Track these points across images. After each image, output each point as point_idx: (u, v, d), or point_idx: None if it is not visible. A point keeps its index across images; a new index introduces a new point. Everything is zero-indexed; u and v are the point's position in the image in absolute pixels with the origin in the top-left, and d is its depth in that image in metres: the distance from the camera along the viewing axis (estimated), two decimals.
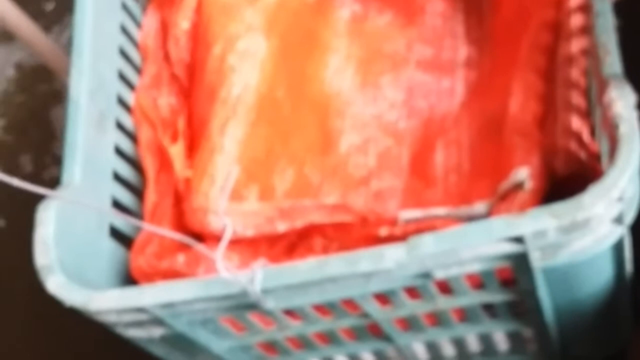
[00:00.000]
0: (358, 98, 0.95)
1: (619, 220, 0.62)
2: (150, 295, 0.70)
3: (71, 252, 0.77)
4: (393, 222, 0.80)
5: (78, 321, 0.77)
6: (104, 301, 0.71)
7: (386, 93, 0.95)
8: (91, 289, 0.73)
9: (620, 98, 0.62)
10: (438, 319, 0.76)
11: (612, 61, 0.65)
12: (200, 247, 0.66)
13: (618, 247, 0.66)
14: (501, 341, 0.81)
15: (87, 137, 0.84)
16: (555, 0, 0.79)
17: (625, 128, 0.60)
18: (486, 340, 0.81)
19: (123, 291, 0.71)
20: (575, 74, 0.74)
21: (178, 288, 0.69)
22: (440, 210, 0.79)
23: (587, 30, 0.73)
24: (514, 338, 0.80)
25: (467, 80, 0.92)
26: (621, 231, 0.63)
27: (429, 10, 0.98)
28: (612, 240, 0.64)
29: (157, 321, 0.72)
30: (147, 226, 0.75)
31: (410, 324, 0.77)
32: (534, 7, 0.82)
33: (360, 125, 0.93)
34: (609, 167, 0.60)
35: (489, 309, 0.75)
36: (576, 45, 0.74)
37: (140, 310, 0.70)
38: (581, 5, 0.75)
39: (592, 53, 0.71)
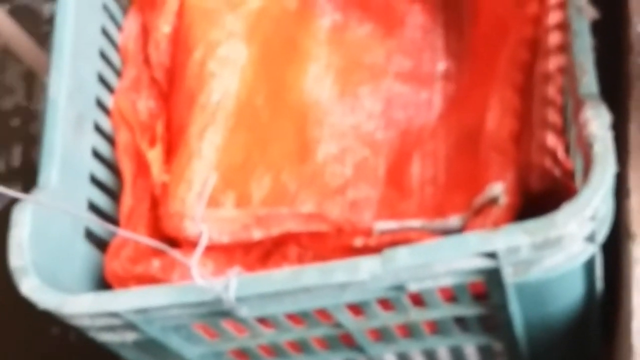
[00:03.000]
0: (336, 107, 0.95)
1: (591, 238, 0.63)
2: (124, 300, 0.70)
3: (46, 254, 0.77)
4: (368, 233, 0.81)
5: None
6: (78, 305, 0.71)
7: (364, 103, 0.95)
8: (65, 293, 0.72)
9: (595, 118, 0.63)
10: (410, 331, 0.77)
11: (589, 81, 0.65)
12: (175, 253, 0.66)
13: (590, 265, 0.67)
14: (472, 354, 0.82)
15: (65, 138, 0.83)
16: (534, 17, 0.80)
17: (600, 148, 0.61)
18: (457, 353, 0.81)
19: (97, 295, 0.71)
20: (552, 91, 0.75)
21: (152, 294, 0.69)
22: (415, 223, 0.79)
23: (564, 48, 0.74)
24: (485, 351, 0.81)
25: (445, 93, 0.93)
26: (593, 249, 0.64)
27: (409, 23, 0.99)
28: (584, 258, 0.64)
29: (130, 326, 0.72)
30: (122, 232, 0.75)
31: (382, 334, 0.77)
32: (512, 23, 0.83)
33: (338, 134, 0.93)
34: (583, 186, 0.60)
35: (461, 322, 0.75)
36: (553, 62, 0.75)
37: (113, 315, 0.70)
38: (559, 23, 0.76)
39: (568, 71, 0.72)
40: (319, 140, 0.93)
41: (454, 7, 0.97)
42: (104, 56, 0.94)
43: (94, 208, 0.87)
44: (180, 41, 0.95)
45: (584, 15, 0.68)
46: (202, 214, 0.80)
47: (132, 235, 0.70)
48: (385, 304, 0.71)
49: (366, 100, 0.95)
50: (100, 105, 0.92)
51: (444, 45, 0.96)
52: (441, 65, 0.95)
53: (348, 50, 0.99)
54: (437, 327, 0.76)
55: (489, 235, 0.61)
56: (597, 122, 0.63)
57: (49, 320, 0.74)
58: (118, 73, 0.96)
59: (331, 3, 1.03)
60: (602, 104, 0.64)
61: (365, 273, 0.64)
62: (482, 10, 0.90)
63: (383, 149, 0.92)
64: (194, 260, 0.64)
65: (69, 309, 0.71)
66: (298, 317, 0.73)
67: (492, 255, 0.62)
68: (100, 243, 0.86)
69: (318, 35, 1.00)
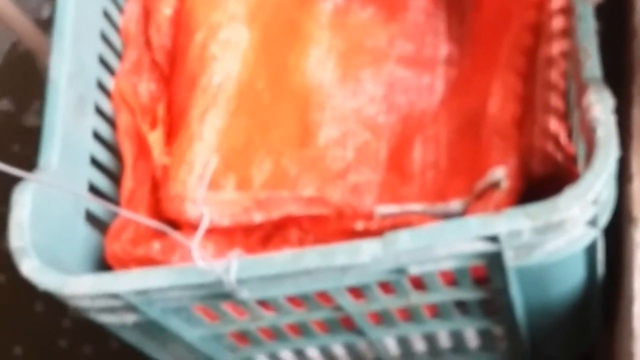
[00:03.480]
0: (338, 91, 0.95)
1: (593, 222, 0.63)
2: (125, 281, 0.70)
3: (46, 235, 0.77)
4: (369, 217, 0.81)
5: None
6: (78, 286, 0.71)
7: (366, 87, 0.95)
8: (65, 274, 0.72)
9: (598, 102, 0.63)
10: (410, 315, 0.77)
11: (592, 65, 0.65)
12: (176, 235, 0.66)
13: (591, 249, 0.67)
14: (472, 338, 0.82)
15: (66, 120, 0.83)
16: (537, 2, 0.80)
17: (603, 132, 0.61)
18: (457, 337, 0.81)
19: (97, 277, 0.71)
20: (555, 76, 0.74)
21: (153, 275, 0.69)
22: (416, 207, 0.79)
23: (567, 32, 0.74)
24: (485, 335, 0.81)
25: (447, 77, 0.93)
26: (595, 234, 0.64)
27: (412, 7, 0.98)
28: (585, 242, 0.64)
29: (131, 308, 0.72)
30: (124, 212, 0.75)
31: (382, 318, 0.77)
32: (515, 8, 0.83)
33: (340, 118, 0.93)
34: (585, 170, 0.60)
35: (461, 306, 0.75)
36: (556, 47, 0.75)
37: (114, 296, 0.70)
38: (562, 7, 0.76)
39: (572, 56, 0.72)
40: (320, 124, 0.93)
41: None
42: (105, 38, 0.93)
43: (94, 190, 0.87)
44: (181, 24, 0.95)
45: (588, 0, 0.68)
46: (203, 196, 0.80)
47: (133, 216, 0.70)
48: (386, 287, 0.71)
49: (368, 84, 0.95)
50: (101, 87, 0.91)
51: (446, 30, 0.96)
52: (443, 50, 0.95)
53: (350, 34, 0.99)
54: (437, 311, 0.76)
55: (491, 219, 0.61)
56: (600, 106, 0.62)
57: None
58: (119, 55, 0.96)
59: None
60: (606, 88, 0.64)
61: (366, 256, 0.64)
62: None
63: (384, 133, 0.92)
64: (195, 242, 0.64)
65: (69, 289, 0.71)
66: (298, 300, 0.73)
67: (493, 239, 0.62)
68: (100, 225, 0.86)
69: (320, 19, 1.00)
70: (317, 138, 0.92)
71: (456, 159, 0.85)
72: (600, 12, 0.69)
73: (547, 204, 0.60)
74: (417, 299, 0.73)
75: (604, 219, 0.64)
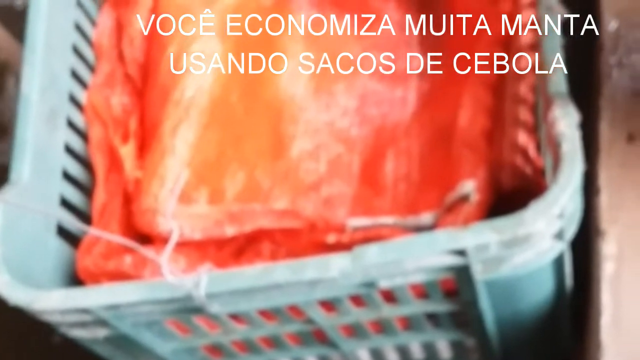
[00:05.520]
0: (311, 104, 0.95)
1: (559, 236, 0.63)
2: (94, 296, 0.70)
3: (17, 250, 0.77)
4: (341, 230, 0.81)
5: None
6: (48, 301, 0.70)
7: (339, 100, 0.95)
8: (36, 288, 0.72)
9: (564, 116, 0.63)
10: (382, 327, 0.77)
11: (558, 79, 0.66)
12: (144, 250, 0.66)
13: (558, 262, 0.67)
14: (444, 350, 0.82)
15: (37, 134, 0.83)
16: (507, 16, 0.80)
17: (568, 147, 0.62)
18: (429, 349, 0.82)
19: (68, 292, 0.71)
20: (524, 89, 0.75)
21: (123, 290, 0.69)
22: (388, 219, 0.80)
23: (536, 46, 0.75)
24: (457, 347, 0.81)
25: (420, 90, 0.93)
26: (562, 247, 0.65)
27: (385, 20, 0.98)
28: (552, 255, 0.65)
29: (101, 322, 0.72)
30: (93, 230, 0.74)
31: (355, 331, 0.77)
32: (486, 21, 0.83)
33: (313, 131, 0.93)
34: (551, 184, 0.61)
35: (433, 319, 0.76)
36: (525, 61, 0.75)
37: (84, 311, 0.70)
38: (531, 21, 0.76)
39: (539, 70, 0.72)
40: (293, 137, 0.93)
41: (430, 4, 0.97)
42: (77, 51, 0.93)
43: (66, 204, 0.87)
44: (154, 37, 0.95)
45: (555, 14, 0.69)
46: (173, 210, 0.80)
47: (102, 234, 0.70)
48: (357, 300, 0.71)
49: (341, 97, 0.95)
50: (74, 100, 0.91)
51: (419, 43, 0.96)
52: (416, 63, 0.95)
53: (324, 47, 0.99)
54: (409, 323, 0.77)
55: (458, 233, 0.61)
56: (566, 120, 0.63)
57: None
58: (91, 69, 0.96)
59: None
60: (571, 102, 0.64)
61: (335, 270, 0.64)
62: (457, 8, 0.90)
63: (357, 145, 0.92)
64: (164, 257, 0.64)
65: (39, 305, 0.70)
66: (270, 314, 0.73)
67: (461, 253, 0.62)
68: (72, 239, 0.86)
69: (293, 32, 1.00)
70: (290, 151, 0.92)
71: (428, 171, 0.86)
72: (567, 26, 0.69)
73: (513, 218, 0.60)
74: (388, 311, 0.73)
75: (571, 232, 0.64)
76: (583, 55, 0.80)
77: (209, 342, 0.80)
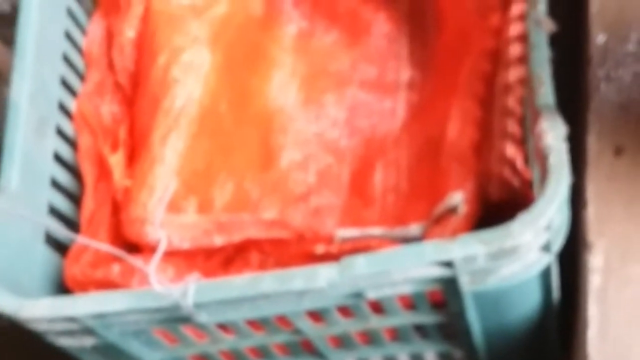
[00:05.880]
0: (301, 115, 0.95)
1: (546, 248, 0.64)
2: (81, 305, 0.69)
3: (4, 257, 0.77)
4: (330, 240, 0.81)
5: None
6: (35, 309, 0.70)
7: (329, 111, 0.95)
8: (23, 297, 0.72)
9: (551, 129, 0.64)
10: (370, 338, 0.77)
11: (546, 92, 0.66)
12: (132, 259, 0.66)
13: (546, 274, 0.68)
14: None
15: (26, 142, 0.83)
16: (495, 29, 0.81)
17: (555, 159, 0.62)
18: None
19: (54, 300, 0.71)
20: (512, 102, 0.75)
21: (109, 299, 0.69)
22: (376, 230, 0.80)
23: (524, 59, 0.75)
24: (445, 358, 0.81)
25: (409, 102, 0.94)
26: (549, 259, 0.65)
27: (375, 32, 0.99)
28: (539, 267, 0.65)
29: (89, 331, 0.72)
30: (81, 238, 0.74)
31: (342, 341, 0.77)
32: (474, 34, 0.84)
33: (302, 141, 0.93)
34: (538, 196, 0.61)
35: (421, 330, 0.76)
36: (513, 74, 0.76)
37: (71, 319, 0.70)
38: (520, 35, 0.77)
39: (527, 83, 0.73)
40: (283, 147, 0.93)
41: (419, 17, 0.98)
42: (67, 60, 0.93)
43: (54, 212, 0.86)
44: (144, 46, 0.95)
45: (542, 28, 0.69)
46: (161, 219, 0.80)
47: (90, 242, 0.70)
48: (345, 311, 0.71)
49: (330, 108, 0.96)
50: (63, 109, 0.91)
51: (409, 55, 0.97)
52: (405, 75, 0.96)
53: (313, 58, 1.00)
54: (397, 334, 0.77)
55: (446, 245, 0.62)
56: (553, 133, 0.63)
57: None
58: (81, 77, 0.96)
59: (297, 10, 1.03)
60: (558, 115, 0.65)
61: (323, 280, 0.64)
62: (446, 20, 0.91)
63: (347, 156, 0.92)
64: (152, 267, 0.64)
65: (26, 313, 0.70)
66: (258, 324, 0.73)
67: (448, 264, 0.62)
68: (60, 247, 0.85)
69: (283, 43, 1.01)
70: (279, 161, 0.92)
71: (416, 183, 0.86)
72: (555, 40, 0.70)
73: (501, 230, 0.61)
74: (376, 322, 0.73)
75: (558, 245, 0.65)
76: (571, 68, 0.81)
77: (196, 352, 0.79)
